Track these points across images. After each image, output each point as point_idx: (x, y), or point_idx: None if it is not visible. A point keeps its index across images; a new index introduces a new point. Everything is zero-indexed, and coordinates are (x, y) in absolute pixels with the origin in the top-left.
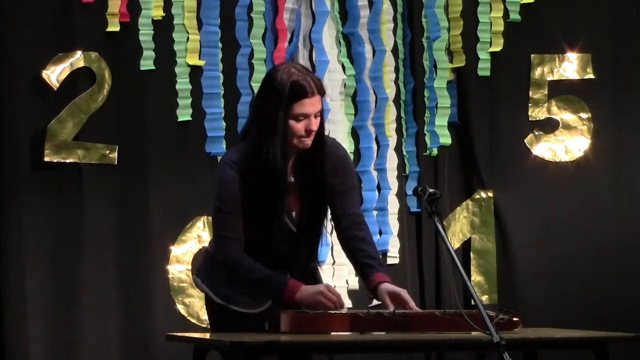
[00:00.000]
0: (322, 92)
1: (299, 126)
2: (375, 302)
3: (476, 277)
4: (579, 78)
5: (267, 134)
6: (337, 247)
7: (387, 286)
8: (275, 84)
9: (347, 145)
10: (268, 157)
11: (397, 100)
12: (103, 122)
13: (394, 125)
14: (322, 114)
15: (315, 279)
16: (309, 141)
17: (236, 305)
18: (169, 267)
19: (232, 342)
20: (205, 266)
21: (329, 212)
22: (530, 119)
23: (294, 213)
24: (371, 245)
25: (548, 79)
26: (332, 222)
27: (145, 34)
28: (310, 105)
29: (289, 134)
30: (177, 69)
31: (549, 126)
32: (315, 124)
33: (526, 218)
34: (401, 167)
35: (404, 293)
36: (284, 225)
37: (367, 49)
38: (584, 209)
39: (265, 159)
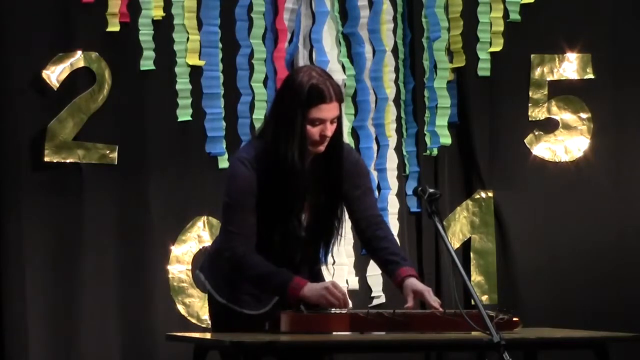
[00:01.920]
0: (340, 99)
1: (314, 131)
2: (375, 302)
3: (476, 277)
4: (579, 78)
5: (284, 135)
6: (337, 248)
7: (413, 283)
8: (294, 86)
9: None
10: (286, 159)
11: (397, 100)
12: (103, 122)
13: (394, 125)
14: (339, 120)
15: (319, 280)
16: (322, 147)
17: (238, 306)
18: (169, 267)
19: (232, 342)
20: (208, 264)
21: (345, 216)
22: (530, 119)
23: (303, 216)
24: (392, 242)
25: (548, 79)
26: (352, 226)
27: (145, 34)
28: (327, 110)
29: (307, 137)
30: (177, 69)
31: (549, 126)
32: (330, 130)
33: (526, 218)
34: (401, 167)
35: (427, 293)
36: (293, 228)
37: (367, 49)
38: (584, 209)
39: (283, 160)
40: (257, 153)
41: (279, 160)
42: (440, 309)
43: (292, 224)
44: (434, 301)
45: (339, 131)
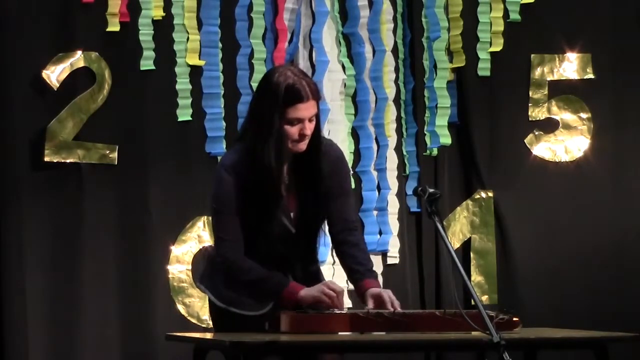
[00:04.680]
0: (317, 97)
1: (293, 130)
2: None
3: (476, 277)
4: (579, 78)
5: (262, 136)
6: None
7: (372, 290)
8: (270, 87)
9: (347, 145)
10: (263, 160)
11: (397, 100)
12: (103, 122)
13: (394, 125)
14: (317, 117)
15: (319, 280)
16: (302, 145)
17: (238, 308)
18: (169, 267)
19: (232, 342)
20: (207, 270)
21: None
22: (530, 119)
23: (292, 214)
24: (363, 251)
25: (548, 79)
26: (327, 224)
27: (145, 34)
28: (304, 110)
29: (284, 137)
30: (177, 69)
31: (549, 126)
32: (309, 128)
33: (526, 218)
34: (401, 167)
35: (385, 293)
36: (283, 227)
37: (367, 49)
38: (584, 209)
39: (260, 161)
40: (239, 157)
41: (257, 160)
42: (396, 309)
43: (279, 223)
44: (389, 302)
45: (317, 128)
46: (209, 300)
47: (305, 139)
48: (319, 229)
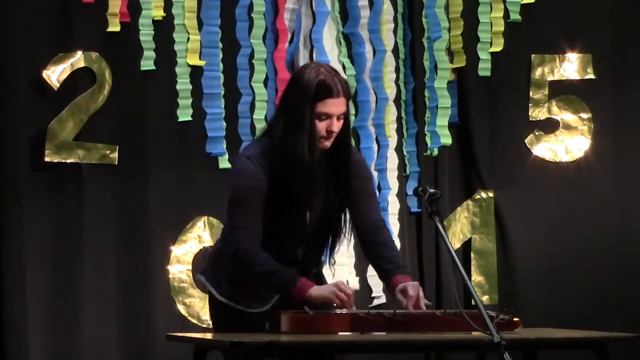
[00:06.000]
0: (347, 96)
1: (321, 126)
2: (375, 302)
3: (476, 277)
4: (579, 78)
5: (293, 130)
6: (337, 247)
7: (401, 287)
8: (302, 82)
9: None
10: (295, 154)
11: (397, 101)
12: (103, 122)
13: (395, 126)
14: (347, 118)
15: (321, 281)
16: (328, 143)
17: (239, 304)
18: (169, 267)
19: (232, 342)
20: (209, 265)
21: (347, 216)
22: (530, 119)
23: (308, 214)
24: (391, 249)
25: (548, 79)
26: (353, 227)
27: (146, 34)
28: (334, 105)
29: (315, 133)
30: (177, 69)
31: (549, 126)
32: (337, 126)
33: (526, 218)
34: (401, 167)
35: (409, 288)
36: (301, 224)
37: (368, 49)
38: (584, 209)
39: (292, 155)
40: (263, 150)
41: (288, 155)
42: (424, 304)
43: (300, 219)
44: (413, 297)
45: (346, 128)
46: (209, 293)
47: (332, 136)
48: (337, 231)
